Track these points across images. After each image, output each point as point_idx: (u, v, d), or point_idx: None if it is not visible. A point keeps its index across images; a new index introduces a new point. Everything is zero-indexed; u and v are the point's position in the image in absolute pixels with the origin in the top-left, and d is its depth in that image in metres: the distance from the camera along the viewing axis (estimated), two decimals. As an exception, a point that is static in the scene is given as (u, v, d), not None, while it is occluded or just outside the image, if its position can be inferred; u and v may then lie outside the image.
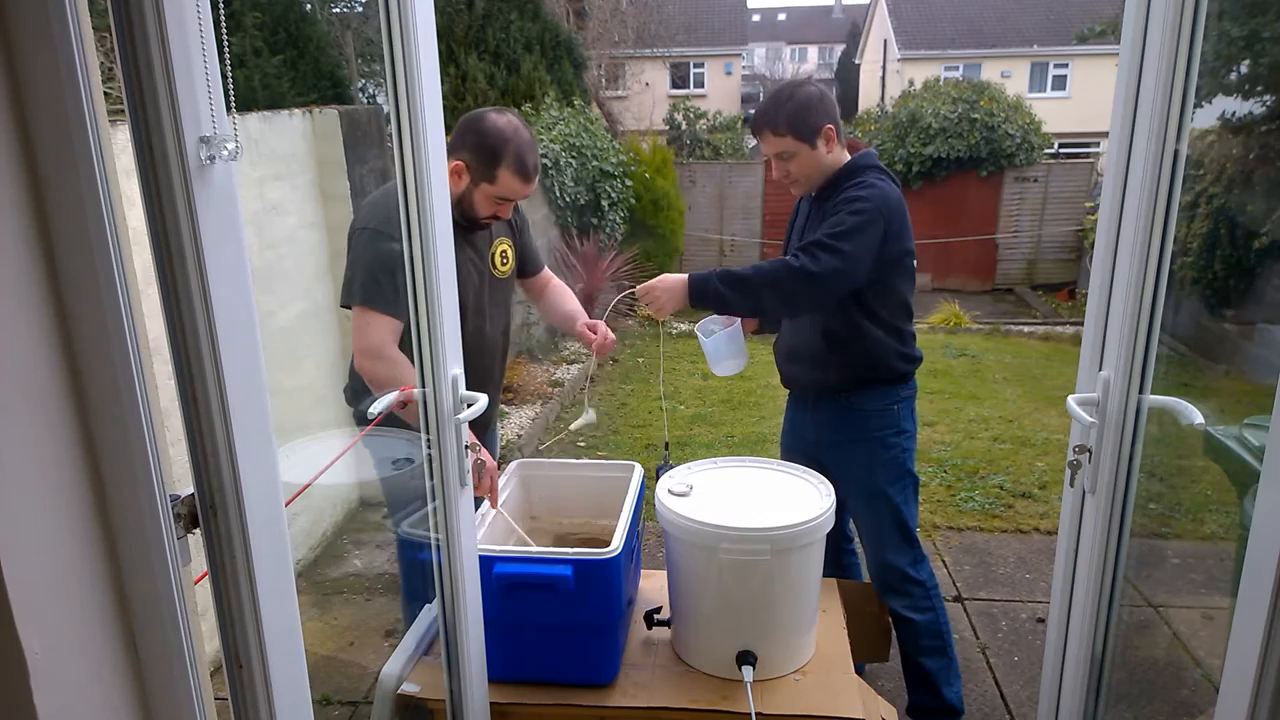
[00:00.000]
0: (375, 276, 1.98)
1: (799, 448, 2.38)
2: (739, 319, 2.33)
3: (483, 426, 2.29)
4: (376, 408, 1.65)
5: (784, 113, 2.13)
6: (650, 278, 2.18)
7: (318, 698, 2.74)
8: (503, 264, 2.27)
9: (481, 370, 2.23)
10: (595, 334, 2.26)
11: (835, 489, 1.97)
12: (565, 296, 2.51)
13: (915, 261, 2.24)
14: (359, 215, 2.12)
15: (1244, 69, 7.24)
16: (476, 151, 2.01)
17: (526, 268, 2.42)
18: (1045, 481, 4.53)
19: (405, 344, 1.76)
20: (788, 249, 2.33)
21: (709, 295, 2.09)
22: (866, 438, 2.25)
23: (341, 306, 2.11)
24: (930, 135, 11.92)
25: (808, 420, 2.36)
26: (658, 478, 2.04)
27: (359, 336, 2.02)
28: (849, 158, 2.22)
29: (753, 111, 2.24)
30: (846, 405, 2.26)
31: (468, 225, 2.11)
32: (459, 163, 2.01)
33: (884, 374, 2.24)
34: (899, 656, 2.43)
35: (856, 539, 2.53)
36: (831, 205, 2.13)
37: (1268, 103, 7.31)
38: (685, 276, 2.12)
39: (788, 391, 2.49)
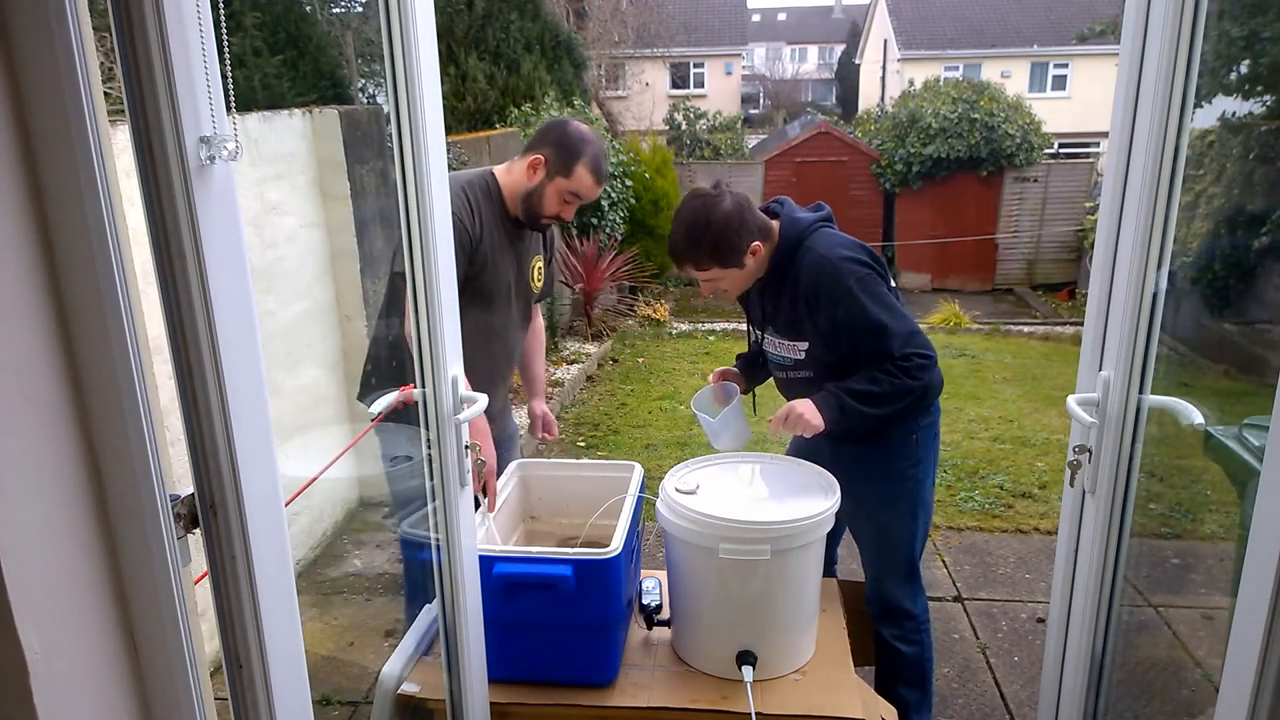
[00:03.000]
0: None
1: (807, 458, 2.25)
2: (739, 394, 2.27)
3: (491, 421, 2.28)
4: (377, 407, 1.65)
5: (704, 248, 2.02)
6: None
7: (318, 698, 2.74)
8: (537, 279, 2.37)
9: (495, 367, 2.26)
10: (538, 420, 2.47)
11: (840, 504, 1.92)
12: (538, 349, 2.59)
13: (886, 271, 2.13)
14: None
15: (1244, 69, 7.24)
16: (558, 148, 2.14)
17: (542, 293, 2.49)
18: (1045, 481, 4.53)
19: (468, 334, 1.78)
20: (749, 318, 2.29)
21: (846, 415, 2.02)
22: (881, 472, 2.17)
23: (395, 274, 2.20)
24: (930, 135, 11.92)
25: (822, 446, 2.21)
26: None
27: (407, 304, 2.08)
28: (776, 231, 2.08)
29: (672, 240, 2.07)
30: (868, 443, 2.17)
31: (528, 223, 2.21)
32: (538, 157, 2.13)
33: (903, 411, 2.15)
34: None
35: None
36: (800, 294, 2.04)
37: (1268, 103, 7.31)
38: (809, 404, 2.03)
39: None
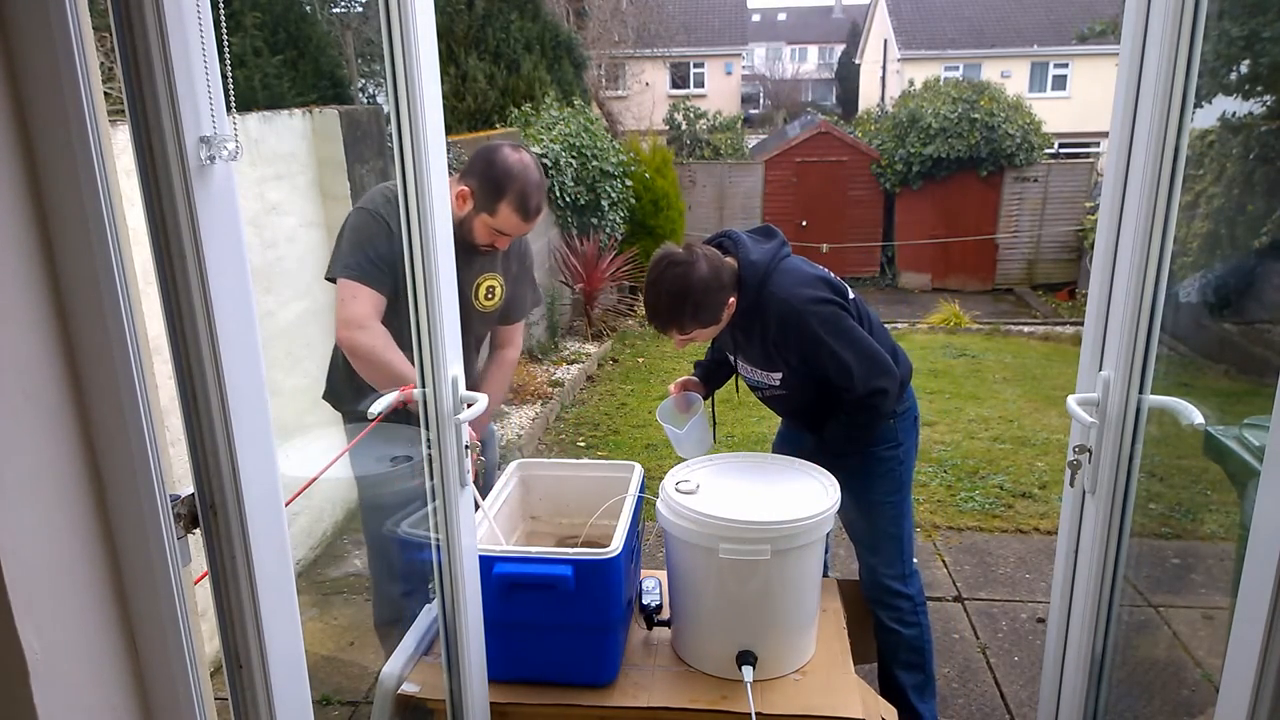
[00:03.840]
0: (360, 249, 2.01)
1: (793, 453, 2.33)
2: (702, 405, 2.35)
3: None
4: (377, 408, 1.65)
5: (687, 315, 2.03)
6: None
7: (318, 698, 2.74)
8: (487, 299, 2.26)
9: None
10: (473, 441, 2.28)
11: None
12: (496, 378, 2.43)
13: (846, 298, 2.16)
14: (359, 204, 2.15)
15: (1244, 69, 7.24)
16: (483, 182, 2.06)
17: (506, 314, 2.38)
18: (1045, 481, 4.53)
19: (405, 345, 1.75)
20: (721, 345, 2.35)
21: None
22: (862, 455, 2.23)
23: (326, 279, 2.11)
24: (930, 135, 11.92)
25: (805, 436, 2.34)
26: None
27: (341, 308, 2.04)
28: (736, 273, 2.09)
29: (654, 310, 2.08)
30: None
31: (466, 249, 2.11)
32: (465, 189, 2.06)
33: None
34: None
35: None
36: (770, 335, 2.09)
37: (1268, 103, 7.30)
38: None
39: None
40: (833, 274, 2.18)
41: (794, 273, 2.11)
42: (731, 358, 2.32)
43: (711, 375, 2.46)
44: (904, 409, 2.27)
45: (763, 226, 2.24)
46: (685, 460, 2.17)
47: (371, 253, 2.00)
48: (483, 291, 2.24)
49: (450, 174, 2.14)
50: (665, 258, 2.04)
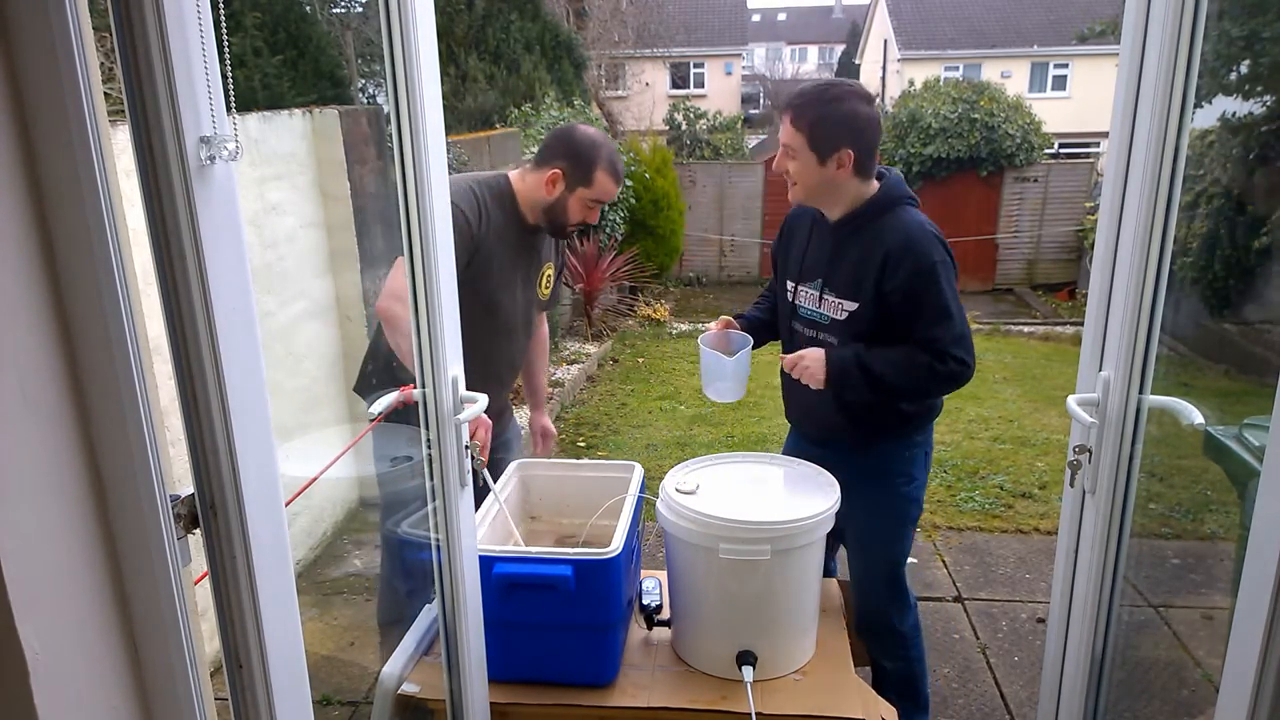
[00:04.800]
0: None
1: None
2: (750, 345, 2.19)
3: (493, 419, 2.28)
4: (377, 408, 1.65)
5: (814, 112, 1.95)
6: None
7: (318, 698, 2.74)
8: (546, 287, 2.37)
9: (494, 369, 2.25)
10: (537, 433, 2.48)
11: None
12: (541, 358, 2.59)
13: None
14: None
15: (1244, 69, 7.24)
16: (572, 158, 2.13)
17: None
18: (1045, 481, 4.53)
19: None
20: (783, 269, 2.24)
21: (848, 381, 2.05)
22: (873, 482, 2.14)
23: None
24: (930, 135, 11.92)
25: (813, 454, 2.19)
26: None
27: (391, 280, 2.12)
28: (875, 188, 2.06)
29: (801, 90, 2.03)
30: (860, 455, 2.17)
31: (553, 232, 2.24)
32: (555, 171, 2.13)
33: (898, 422, 2.15)
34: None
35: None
36: (879, 253, 2.00)
37: (1268, 103, 7.30)
38: (823, 355, 2.06)
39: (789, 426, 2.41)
40: None
41: (927, 222, 2.05)
42: (792, 287, 2.19)
43: (752, 331, 2.30)
44: (921, 440, 2.19)
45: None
46: (712, 403, 2.12)
47: None
48: (544, 280, 2.34)
49: (523, 166, 2.22)
50: (849, 82, 2.05)
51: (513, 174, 2.21)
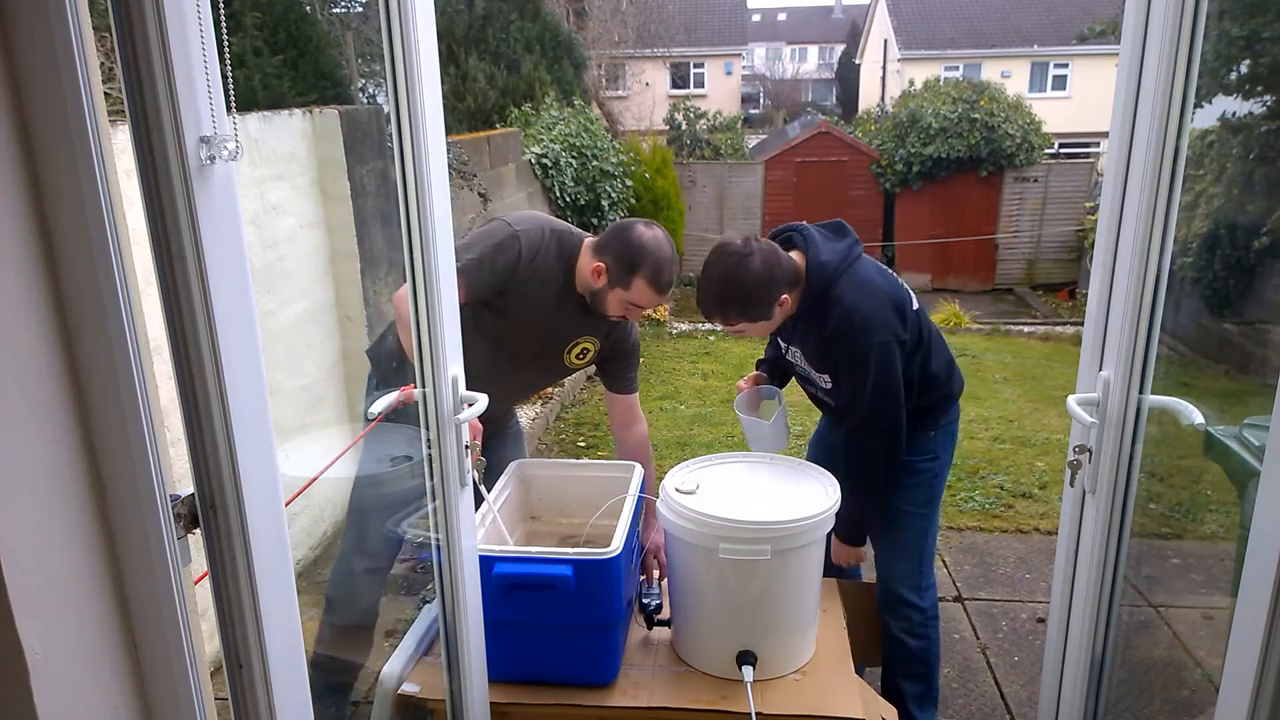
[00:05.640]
0: (475, 250, 2.04)
1: (825, 459, 2.26)
2: (780, 397, 2.35)
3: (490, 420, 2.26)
4: (377, 408, 1.65)
5: (734, 307, 2.05)
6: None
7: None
8: (579, 359, 2.29)
9: (496, 370, 2.23)
10: (656, 561, 2.25)
11: None
12: (644, 454, 2.38)
13: (911, 300, 2.14)
14: (512, 215, 2.18)
15: (1244, 69, 7.24)
16: (617, 258, 2.08)
17: (610, 383, 2.40)
18: (1045, 481, 4.53)
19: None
20: (779, 334, 2.32)
21: (859, 520, 2.20)
22: (897, 463, 2.16)
23: None
24: (930, 135, 11.92)
25: (840, 435, 2.28)
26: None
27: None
28: (802, 271, 2.07)
29: (702, 296, 2.10)
30: None
31: (579, 309, 2.18)
32: (600, 264, 2.09)
33: (922, 410, 2.18)
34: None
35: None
36: (825, 336, 2.08)
37: (1268, 103, 7.31)
38: (839, 547, 2.24)
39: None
40: (901, 283, 2.15)
41: (866, 285, 2.05)
42: (784, 346, 2.30)
43: (774, 372, 2.44)
44: (946, 421, 2.23)
45: (834, 222, 2.18)
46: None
47: (486, 260, 2.04)
48: (576, 351, 2.27)
49: (584, 252, 2.15)
50: (721, 248, 2.07)
51: (588, 240, 2.18)
